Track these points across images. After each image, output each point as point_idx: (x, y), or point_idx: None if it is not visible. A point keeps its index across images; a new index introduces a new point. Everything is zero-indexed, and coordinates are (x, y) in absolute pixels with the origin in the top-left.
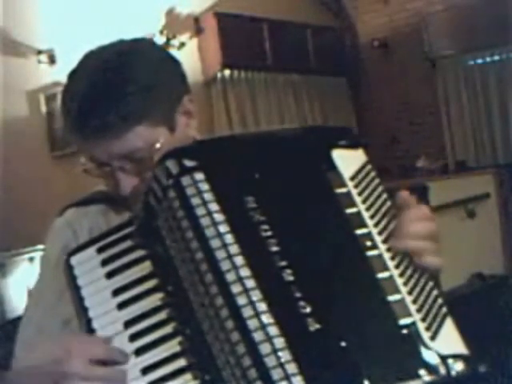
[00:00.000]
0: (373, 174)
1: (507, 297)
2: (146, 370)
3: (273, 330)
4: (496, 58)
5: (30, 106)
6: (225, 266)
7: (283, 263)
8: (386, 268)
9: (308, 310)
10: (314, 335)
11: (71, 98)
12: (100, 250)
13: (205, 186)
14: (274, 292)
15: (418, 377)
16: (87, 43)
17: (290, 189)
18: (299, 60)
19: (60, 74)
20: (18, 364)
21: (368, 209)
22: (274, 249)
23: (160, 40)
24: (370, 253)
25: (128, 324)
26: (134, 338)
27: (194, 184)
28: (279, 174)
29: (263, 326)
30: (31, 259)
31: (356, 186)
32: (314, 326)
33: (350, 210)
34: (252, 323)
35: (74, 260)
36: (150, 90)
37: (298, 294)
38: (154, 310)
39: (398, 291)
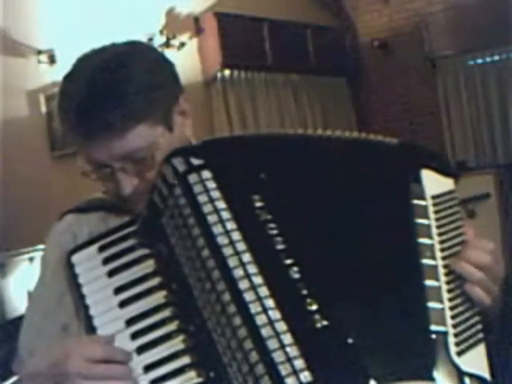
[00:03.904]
0: (455, 202)
1: (507, 297)
2: (148, 368)
3: (281, 326)
4: (496, 58)
5: (30, 105)
6: (232, 262)
7: (289, 261)
8: (436, 278)
9: (315, 307)
10: (321, 332)
11: (70, 98)
12: (101, 249)
13: (212, 184)
14: (280, 289)
15: (432, 380)
16: (87, 43)
17: (308, 188)
18: (299, 60)
19: (60, 74)
20: (20, 370)
21: (439, 227)
22: (280, 247)
23: (160, 40)
24: (426, 261)
25: (130, 322)
26: (135, 336)
27: (201, 182)
28: (294, 174)
29: (271, 322)
30: (31, 259)
31: (435, 205)
32: (320, 323)
33: (420, 221)
34: (260, 319)
35: (75, 258)
36: (149, 90)
37: (304, 291)
38: (157, 308)
39: (440, 301)
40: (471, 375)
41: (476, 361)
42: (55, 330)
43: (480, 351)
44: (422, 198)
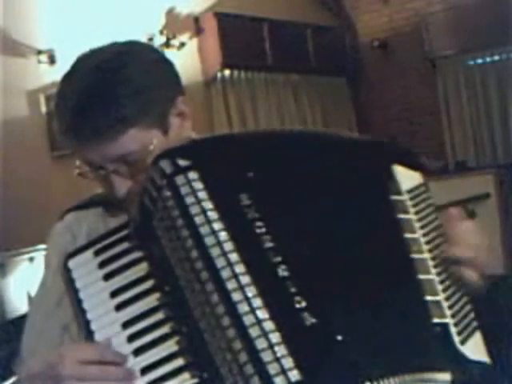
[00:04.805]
0: (428, 194)
1: (507, 297)
2: (144, 370)
3: (268, 325)
4: (496, 57)
5: (30, 105)
6: (220, 263)
7: (277, 259)
8: (428, 271)
9: (303, 304)
10: (310, 329)
11: (65, 101)
12: (97, 253)
13: (199, 185)
14: (268, 287)
15: (446, 370)
16: (87, 43)
17: (296, 186)
18: (299, 60)
19: (60, 73)
20: (20, 371)
21: (419, 220)
22: (268, 245)
23: (160, 40)
24: (416, 255)
25: (126, 325)
26: (132, 338)
27: (188, 183)
28: (281, 172)
29: (259, 322)
30: (31, 259)
31: (411, 199)
32: (309, 321)
33: (402, 216)
34: (247, 319)
35: (71, 263)
36: (142, 93)
37: (293, 289)
38: (152, 311)
39: (436, 293)
40: (475, 362)
41: (478, 349)
42: (56, 330)
43: (478, 339)
44: (399, 193)
